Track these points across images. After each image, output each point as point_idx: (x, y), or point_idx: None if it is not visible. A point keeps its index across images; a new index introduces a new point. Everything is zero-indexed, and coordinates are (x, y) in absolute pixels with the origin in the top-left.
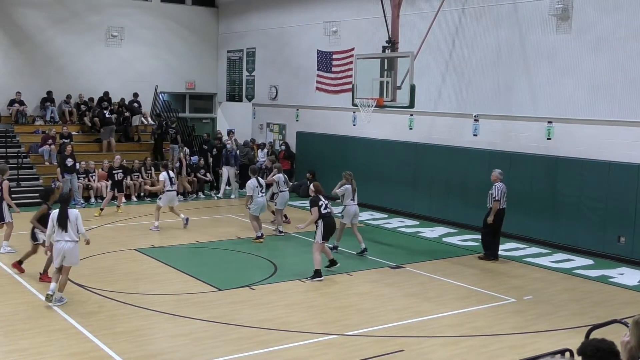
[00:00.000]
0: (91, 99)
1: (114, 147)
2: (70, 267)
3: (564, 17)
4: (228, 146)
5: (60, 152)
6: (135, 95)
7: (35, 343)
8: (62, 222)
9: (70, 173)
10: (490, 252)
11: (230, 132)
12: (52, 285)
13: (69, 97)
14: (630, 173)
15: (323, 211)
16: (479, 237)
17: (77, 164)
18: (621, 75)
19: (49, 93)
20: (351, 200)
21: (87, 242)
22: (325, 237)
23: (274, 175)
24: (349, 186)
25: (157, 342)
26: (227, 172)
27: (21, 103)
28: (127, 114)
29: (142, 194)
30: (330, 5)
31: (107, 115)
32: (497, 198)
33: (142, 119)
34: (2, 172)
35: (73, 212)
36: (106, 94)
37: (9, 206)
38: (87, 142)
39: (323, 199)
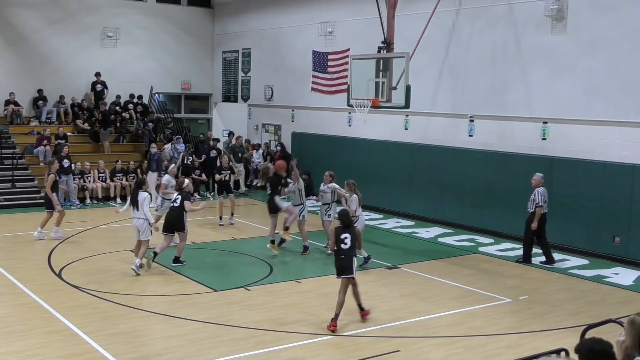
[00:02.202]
0: (83, 101)
1: (107, 148)
2: (148, 240)
3: (559, 17)
4: (153, 150)
5: (57, 153)
6: (132, 96)
7: (30, 345)
8: (134, 202)
9: (66, 174)
10: (526, 257)
11: (231, 134)
12: (137, 260)
13: (62, 97)
14: (625, 173)
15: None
16: (475, 237)
17: (73, 165)
18: (616, 75)
19: (40, 91)
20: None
21: (153, 226)
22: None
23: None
24: (355, 196)
25: (154, 343)
26: (152, 179)
27: (16, 104)
28: (124, 114)
29: None
30: (325, 5)
31: (111, 117)
32: (540, 203)
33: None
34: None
35: (142, 195)
36: (98, 74)
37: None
38: (82, 143)
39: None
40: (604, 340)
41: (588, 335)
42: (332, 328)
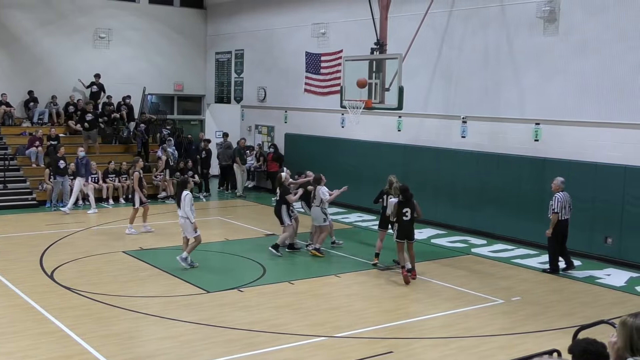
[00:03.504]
0: (79, 100)
1: (97, 149)
2: (194, 237)
3: (551, 19)
4: (80, 154)
5: (49, 154)
6: (127, 97)
7: (22, 346)
8: (177, 201)
9: (62, 175)
10: (554, 266)
11: (225, 135)
12: (186, 257)
13: (54, 97)
14: (616, 174)
15: None
16: (468, 238)
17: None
18: (607, 77)
19: (31, 93)
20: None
21: (195, 227)
22: None
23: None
24: (394, 200)
25: (146, 345)
26: (78, 183)
27: (8, 105)
28: (114, 115)
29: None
30: (318, 7)
31: (87, 119)
32: (555, 210)
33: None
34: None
35: (184, 194)
36: (97, 76)
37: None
38: (74, 144)
39: None
40: (597, 341)
41: (580, 336)
42: (413, 277)
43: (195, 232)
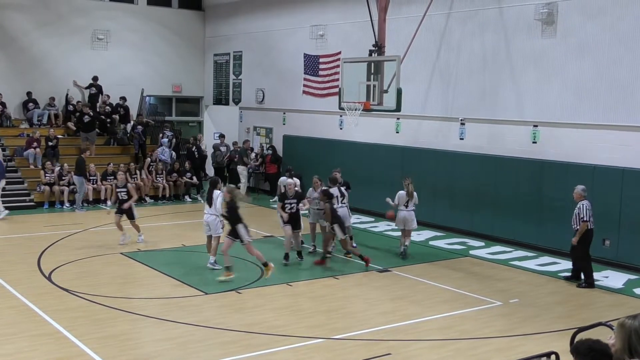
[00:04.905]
0: (78, 102)
1: (93, 150)
2: (219, 237)
3: (549, 21)
4: None
5: (47, 156)
6: (123, 99)
7: (20, 348)
8: (208, 199)
9: (85, 177)
10: (589, 279)
11: (222, 136)
12: (211, 258)
13: (52, 99)
14: (614, 176)
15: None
16: (466, 240)
17: (62, 168)
18: (605, 79)
19: (29, 94)
20: (403, 206)
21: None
22: None
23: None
24: (402, 192)
25: (144, 347)
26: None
27: (4, 106)
28: (114, 116)
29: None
30: (316, 8)
31: (85, 121)
32: (585, 219)
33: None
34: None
35: (216, 193)
36: (95, 78)
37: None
38: (73, 146)
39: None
40: (601, 341)
41: (578, 338)
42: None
43: (222, 229)
